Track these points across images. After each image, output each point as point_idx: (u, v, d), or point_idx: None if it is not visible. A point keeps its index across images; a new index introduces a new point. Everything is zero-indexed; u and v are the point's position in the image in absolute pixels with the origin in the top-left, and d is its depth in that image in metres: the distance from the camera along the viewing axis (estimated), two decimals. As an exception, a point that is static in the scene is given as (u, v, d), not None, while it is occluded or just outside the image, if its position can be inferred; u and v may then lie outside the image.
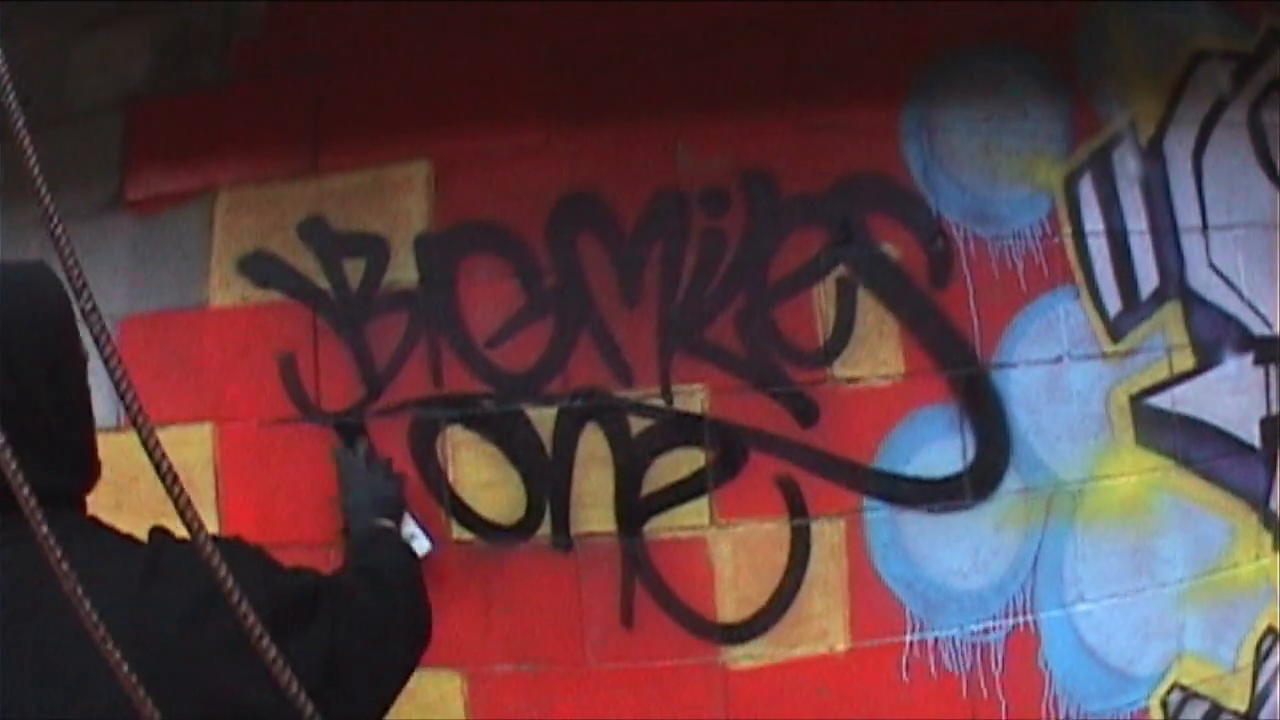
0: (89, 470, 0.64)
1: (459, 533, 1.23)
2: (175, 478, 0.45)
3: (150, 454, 0.42)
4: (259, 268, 1.29)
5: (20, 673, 0.53)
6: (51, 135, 1.42)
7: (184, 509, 0.43)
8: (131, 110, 1.37)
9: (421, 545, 1.14)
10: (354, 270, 1.27)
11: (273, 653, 0.46)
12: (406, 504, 1.15)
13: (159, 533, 0.62)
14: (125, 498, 1.33)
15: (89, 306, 0.46)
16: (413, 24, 1.28)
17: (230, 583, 0.48)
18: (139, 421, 0.42)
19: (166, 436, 1.49)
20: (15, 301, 0.62)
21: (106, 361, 0.44)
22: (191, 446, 1.29)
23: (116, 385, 0.43)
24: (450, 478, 1.22)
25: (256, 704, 0.54)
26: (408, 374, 1.23)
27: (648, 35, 1.24)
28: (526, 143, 1.23)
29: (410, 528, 1.15)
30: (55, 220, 0.46)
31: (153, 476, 1.50)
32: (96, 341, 0.44)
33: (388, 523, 1.08)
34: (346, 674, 0.64)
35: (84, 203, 1.40)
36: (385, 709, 0.73)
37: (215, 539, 0.53)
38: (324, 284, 1.27)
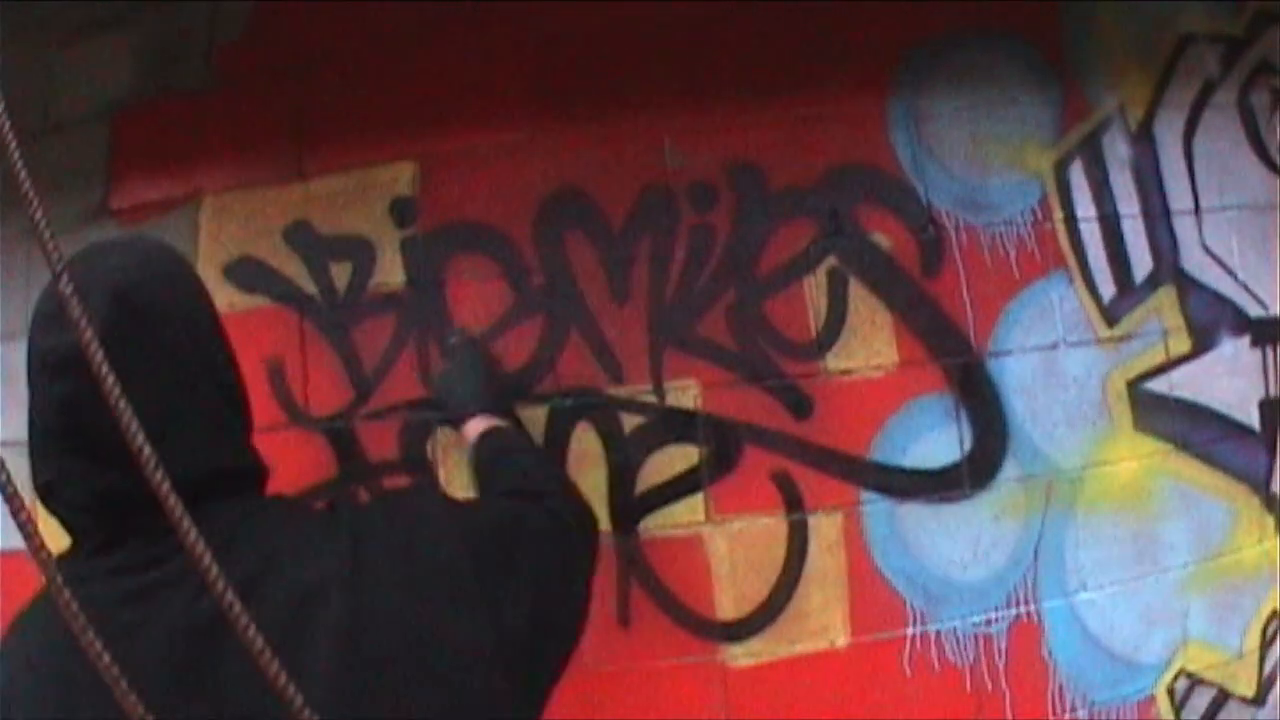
0: (257, 455, 0.62)
1: (452, 536, 1.21)
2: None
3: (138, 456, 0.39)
4: (245, 274, 1.28)
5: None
6: (36, 147, 1.41)
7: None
8: (116, 118, 1.37)
9: None
10: (341, 273, 1.26)
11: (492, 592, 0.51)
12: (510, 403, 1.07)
13: (336, 502, 0.63)
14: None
15: (78, 314, 0.45)
16: (395, 25, 1.27)
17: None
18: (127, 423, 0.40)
19: None
20: (163, 286, 0.59)
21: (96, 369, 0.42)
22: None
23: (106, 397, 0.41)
24: (442, 479, 1.21)
25: (477, 643, 0.55)
26: (397, 376, 1.22)
27: (632, 30, 1.23)
28: (511, 141, 1.22)
29: None
30: (46, 229, 0.45)
31: None
32: (87, 350, 0.42)
33: (499, 420, 0.99)
34: (552, 593, 0.65)
35: (69, 212, 1.39)
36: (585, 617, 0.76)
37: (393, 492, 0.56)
38: (311, 288, 1.26)
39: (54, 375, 0.57)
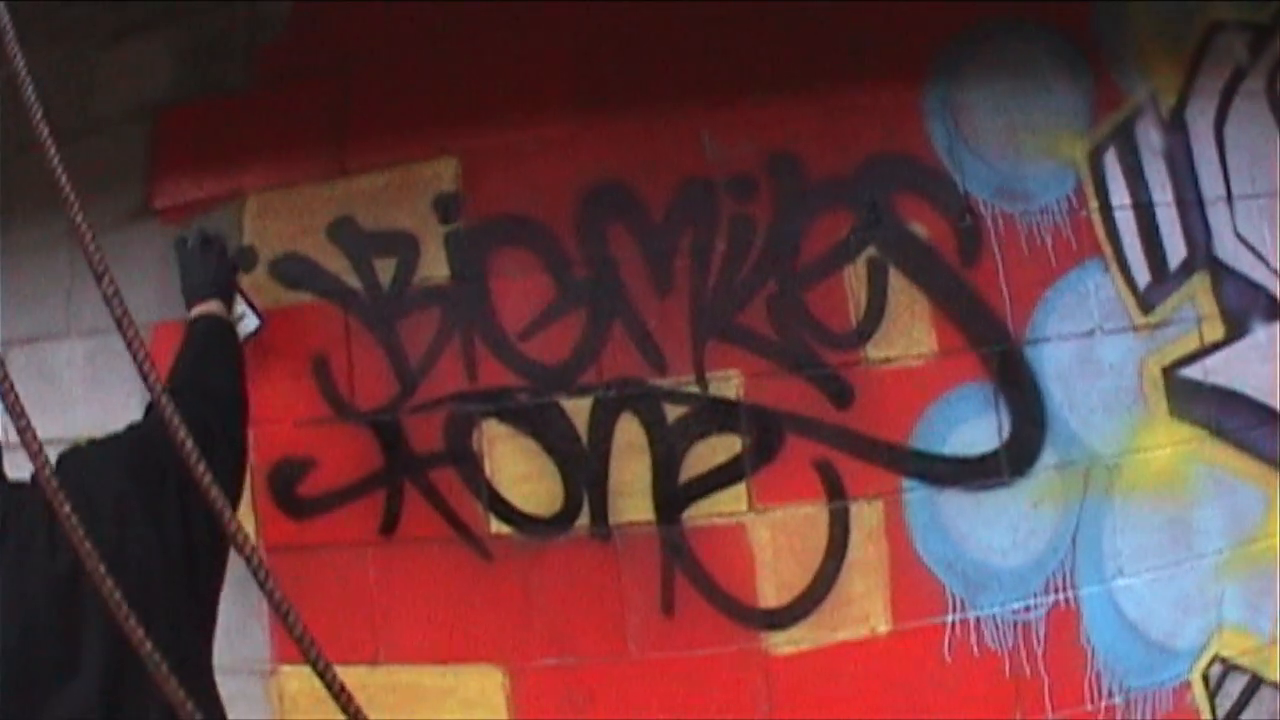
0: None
1: (497, 527, 1.23)
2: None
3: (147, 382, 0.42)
4: (290, 270, 1.30)
5: None
6: (77, 146, 1.43)
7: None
8: (157, 118, 1.39)
9: (249, 324, 1.24)
10: (385, 268, 1.27)
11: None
12: (237, 286, 1.24)
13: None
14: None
15: (120, 313, 0.48)
16: (435, 22, 1.28)
17: None
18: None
19: None
20: None
21: (140, 364, 0.45)
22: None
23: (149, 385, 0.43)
24: (487, 472, 1.22)
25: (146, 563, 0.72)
26: (442, 369, 1.24)
27: (669, 26, 1.24)
28: (553, 136, 1.23)
29: (240, 308, 1.25)
30: (87, 230, 0.46)
31: None
32: (129, 344, 0.45)
33: (213, 305, 1.17)
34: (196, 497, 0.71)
35: (110, 212, 1.41)
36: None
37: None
38: (355, 283, 1.27)
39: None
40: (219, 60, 1.38)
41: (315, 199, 1.30)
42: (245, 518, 1.32)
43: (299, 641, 0.40)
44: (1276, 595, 1.38)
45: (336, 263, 1.28)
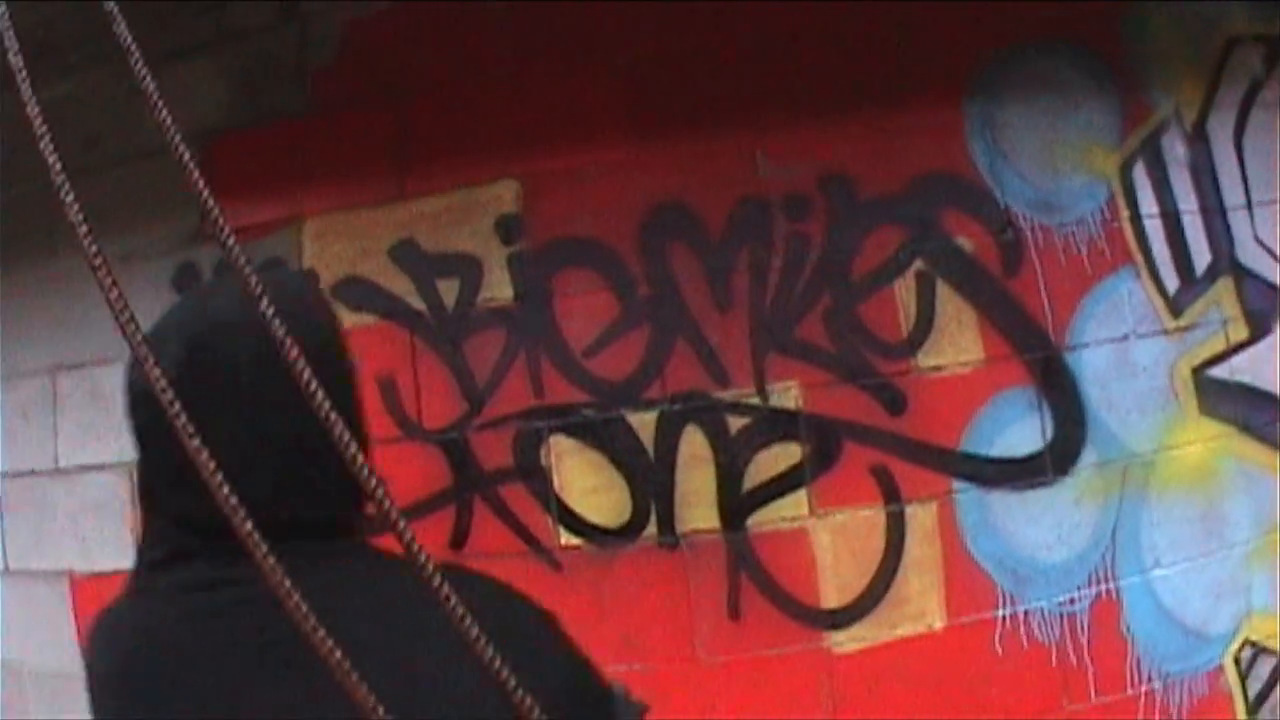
0: (359, 495, 0.55)
1: (567, 538, 1.27)
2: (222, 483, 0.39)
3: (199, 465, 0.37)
4: (353, 293, 1.33)
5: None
6: (128, 171, 1.44)
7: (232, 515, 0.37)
8: (210, 143, 1.40)
9: None
10: (448, 290, 1.30)
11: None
12: None
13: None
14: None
15: (138, 344, 0.40)
16: (490, 47, 1.32)
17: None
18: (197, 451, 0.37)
19: None
20: (238, 335, 0.54)
21: (161, 392, 0.39)
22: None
23: (171, 414, 0.38)
24: (556, 485, 1.26)
25: None
26: (508, 387, 1.27)
27: (721, 51, 1.29)
28: (612, 159, 1.27)
29: None
30: (101, 263, 0.40)
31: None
32: (154, 381, 0.40)
33: None
34: None
35: (165, 238, 1.42)
36: None
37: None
38: (419, 304, 1.31)
39: (132, 410, 0.57)
40: (271, 84, 1.40)
41: (376, 222, 1.33)
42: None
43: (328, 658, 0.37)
44: (1299, 581, 1.46)
45: (400, 284, 1.31)
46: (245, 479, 0.42)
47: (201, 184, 0.43)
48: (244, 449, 0.52)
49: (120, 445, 1.50)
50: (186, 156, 0.43)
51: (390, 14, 1.35)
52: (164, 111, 0.44)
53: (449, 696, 0.50)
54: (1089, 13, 1.38)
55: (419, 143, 1.32)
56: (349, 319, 1.33)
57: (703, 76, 1.27)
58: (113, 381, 1.65)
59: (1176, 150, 1.42)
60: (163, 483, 0.56)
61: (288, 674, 0.48)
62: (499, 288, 1.28)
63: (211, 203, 0.43)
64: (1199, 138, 1.44)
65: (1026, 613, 1.30)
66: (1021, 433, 1.29)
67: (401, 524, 0.39)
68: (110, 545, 1.50)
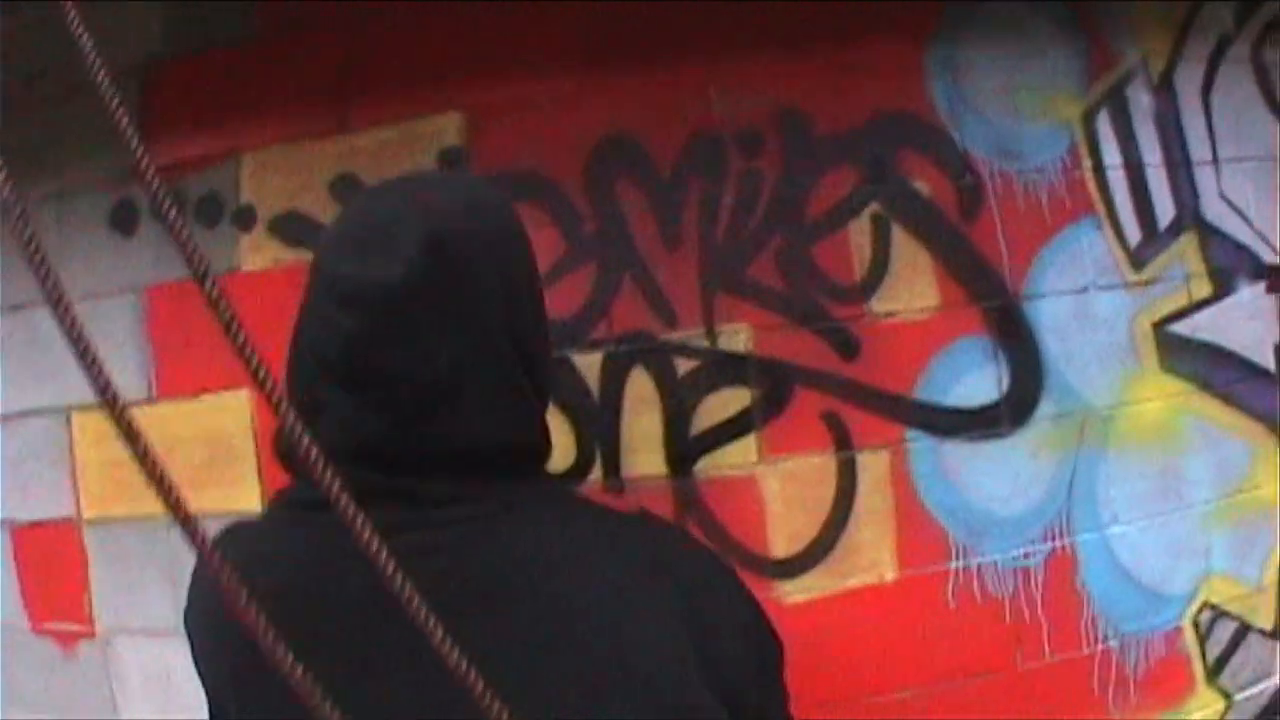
0: (547, 432, 0.53)
1: (508, 482, 1.23)
2: (156, 465, 0.35)
3: (127, 437, 0.33)
4: (291, 229, 1.28)
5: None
6: (66, 108, 1.39)
7: (170, 502, 0.34)
8: (148, 74, 1.35)
9: None
10: (390, 225, 1.26)
11: None
12: None
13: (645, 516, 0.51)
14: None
15: (50, 287, 0.37)
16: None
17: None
18: (112, 402, 0.33)
19: (204, 405, 1.47)
20: (482, 237, 0.50)
21: (74, 341, 0.35)
22: (230, 413, 1.27)
23: (84, 364, 0.34)
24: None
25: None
26: (450, 325, 1.23)
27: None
28: (560, 90, 1.23)
29: None
30: (19, 207, 0.37)
31: (190, 448, 1.49)
32: (61, 322, 0.33)
33: None
34: None
35: (103, 172, 1.37)
36: None
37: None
38: (360, 240, 1.26)
39: (345, 306, 0.47)
40: (213, 12, 1.35)
41: (316, 155, 1.28)
42: (250, 485, 1.30)
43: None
44: (1261, 544, 1.44)
45: (340, 219, 1.27)
46: (460, 404, 0.40)
47: (125, 120, 0.39)
48: (469, 370, 0.46)
49: (59, 389, 1.45)
50: (110, 90, 0.39)
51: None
52: (89, 42, 0.40)
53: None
54: (1057, -43, 1.36)
55: (363, 73, 1.27)
56: (288, 255, 1.28)
57: (656, 5, 1.23)
58: (50, 324, 1.60)
59: (1142, 101, 1.40)
60: (350, 401, 0.49)
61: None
62: (442, 222, 1.24)
63: (136, 142, 0.39)
64: (1165, 89, 1.42)
65: (980, 566, 1.27)
66: (977, 382, 1.26)
67: (336, 487, 0.35)
68: (50, 492, 1.45)
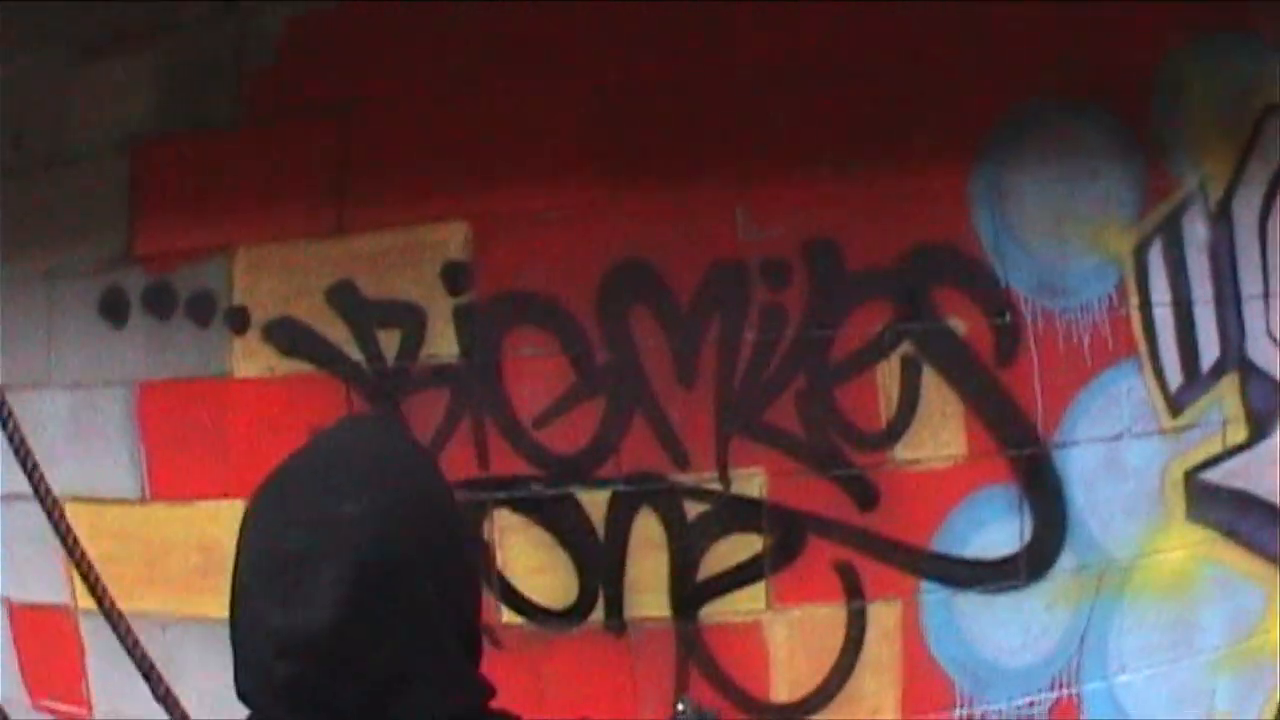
0: (485, 684, 0.53)
1: (509, 617, 1.18)
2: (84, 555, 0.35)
3: (60, 536, 0.32)
4: (286, 335, 1.20)
5: None
6: (52, 176, 1.30)
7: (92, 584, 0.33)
8: (138, 152, 1.26)
9: None
10: (388, 341, 1.18)
11: None
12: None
13: None
14: (156, 571, 1.26)
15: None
16: (445, 61, 1.16)
17: None
18: (44, 498, 0.32)
19: (198, 511, 1.38)
20: (413, 541, 0.48)
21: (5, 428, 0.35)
22: (221, 524, 1.21)
23: (19, 457, 0.33)
24: (499, 562, 1.17)
25: None
26: (451, 454, 1.16)
27: (706, 85, 1.14)
28: (573, 204, 1.14)
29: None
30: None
31: (184, 552, 1.40)
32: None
33: None
34: None
35: (91, 255, 1.29)
36: None
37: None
38: (357, 355, 1.19)
39: (279, 656, 0.47)
40: (206, 85, 1.24)
41: (312, 259, 1.19)
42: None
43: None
44: (1264, 685, 1.41)
45: (336, 331, 1.19)
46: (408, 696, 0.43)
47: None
48: (412, 664, 0.48)
49: (49, 473, 1.39)
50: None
51: (337, 13, 1.19)
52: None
53: None
54: (1116, 68, 1.25)
55: (361, 166, 1.18)
56: (283, 363, 1.21)
57: (683, 113, 1.13)
58: (43, 408, 1.54)
59: (1197, 231, 1.31)
60: None
61: None
62: (443, 342, 1.16)
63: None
64: (1222, 217, 1.32)
65: (984, 714, 1.24)
66: (998, 533, 1.21)
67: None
68: (46, 578, 1.41)
